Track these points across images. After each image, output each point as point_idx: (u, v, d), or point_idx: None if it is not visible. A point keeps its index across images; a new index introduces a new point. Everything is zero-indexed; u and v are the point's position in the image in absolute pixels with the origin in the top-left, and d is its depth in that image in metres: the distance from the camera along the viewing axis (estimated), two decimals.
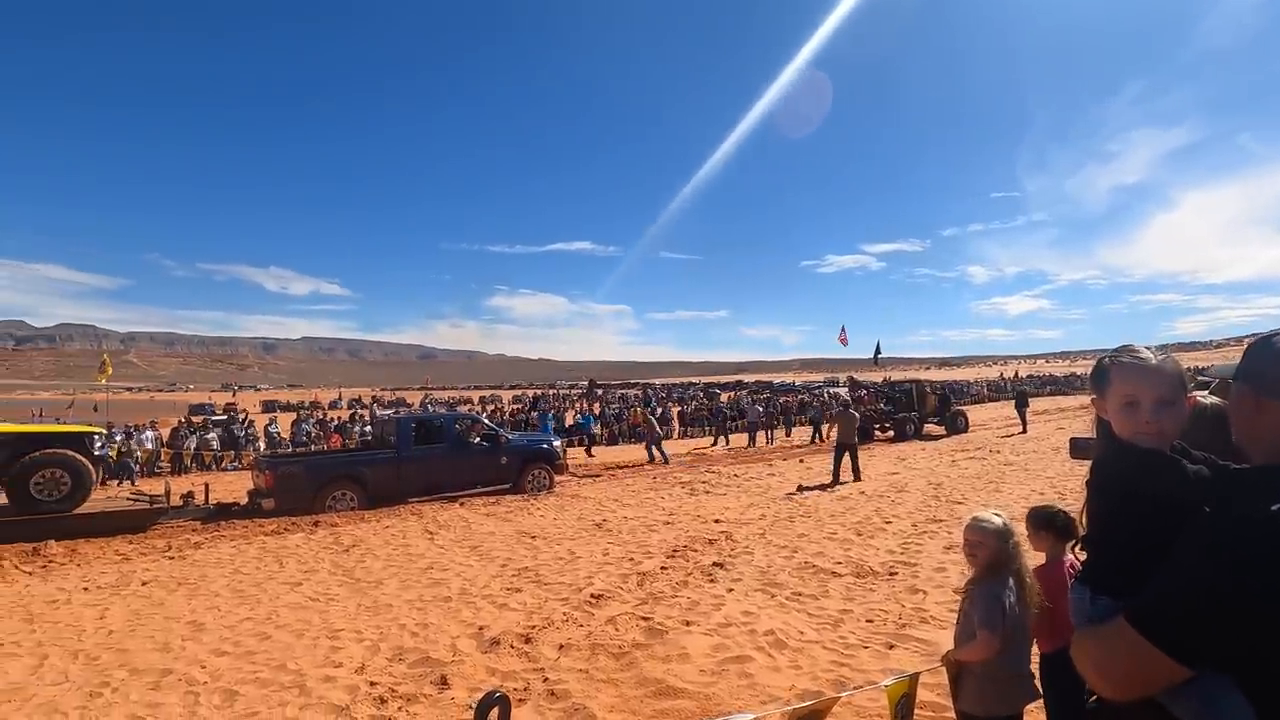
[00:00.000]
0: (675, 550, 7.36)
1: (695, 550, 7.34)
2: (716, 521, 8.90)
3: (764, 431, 24.72)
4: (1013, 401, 23.37)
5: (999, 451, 15.53)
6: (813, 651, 4.41)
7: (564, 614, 5.39)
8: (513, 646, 4.74)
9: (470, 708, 3.80)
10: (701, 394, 51.38)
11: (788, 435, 25.91)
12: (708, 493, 11.60)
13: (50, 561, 8.00)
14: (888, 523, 8.30)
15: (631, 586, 6.09)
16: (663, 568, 6.68)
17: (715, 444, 24.13)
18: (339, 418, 29.56)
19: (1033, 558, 2.56)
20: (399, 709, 3.85)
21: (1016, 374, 66.09)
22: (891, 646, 4.36)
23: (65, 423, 16.73)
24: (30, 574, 7.47)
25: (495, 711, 1.01)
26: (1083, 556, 1.31)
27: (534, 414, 28.38)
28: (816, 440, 25.46)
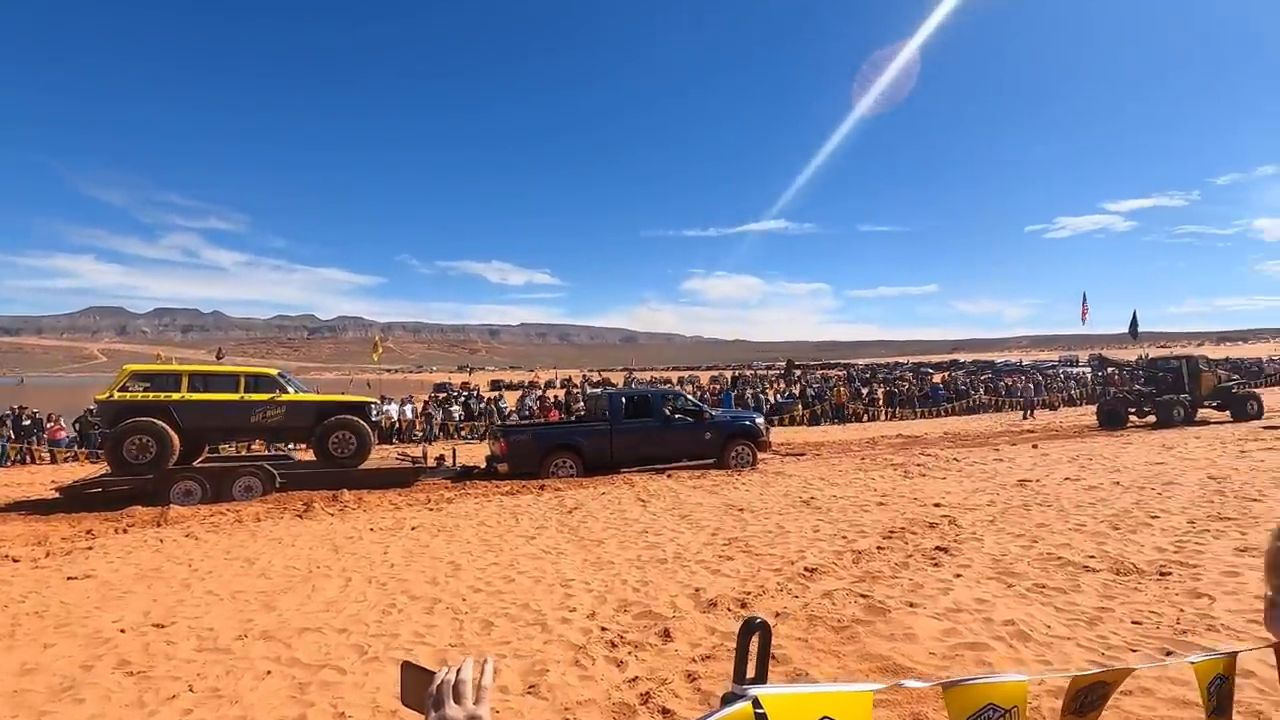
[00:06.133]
0: (892, 531, 7.00)
1: (914, 533, 6.92)
2: (936, 505, 8.29)
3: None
4: None
5: None
6: (1064, 648, 3.95)
7: (777, 584, 5.40)
8: (729, 609, 4.86)
9: (693, 660, 3.98)
10: (910, 375, 47.96)
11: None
12: (923, 475, 10.84)
13: (345, 506, 9.77)
14: (1154, 517, 7.12)
15: (846, 564, 5.91)
16: (879, 548, 6.39)
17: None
18: (555, 396, 32.21)
19: None
20: (629, 654, 4.14)
21: None
22: (1169, 653, 3.76)
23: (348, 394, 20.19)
24: (332, 515, 9.20)
25: (756, 636, 1.04)
26: None
27: (735, 394, 28.74)
28: (1027, 416, 24.30)
